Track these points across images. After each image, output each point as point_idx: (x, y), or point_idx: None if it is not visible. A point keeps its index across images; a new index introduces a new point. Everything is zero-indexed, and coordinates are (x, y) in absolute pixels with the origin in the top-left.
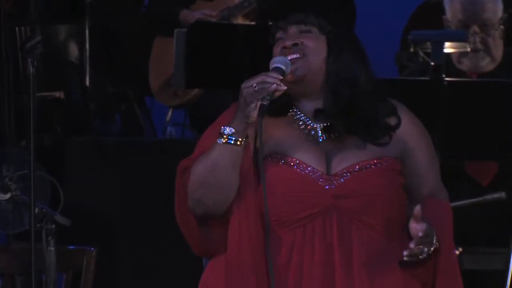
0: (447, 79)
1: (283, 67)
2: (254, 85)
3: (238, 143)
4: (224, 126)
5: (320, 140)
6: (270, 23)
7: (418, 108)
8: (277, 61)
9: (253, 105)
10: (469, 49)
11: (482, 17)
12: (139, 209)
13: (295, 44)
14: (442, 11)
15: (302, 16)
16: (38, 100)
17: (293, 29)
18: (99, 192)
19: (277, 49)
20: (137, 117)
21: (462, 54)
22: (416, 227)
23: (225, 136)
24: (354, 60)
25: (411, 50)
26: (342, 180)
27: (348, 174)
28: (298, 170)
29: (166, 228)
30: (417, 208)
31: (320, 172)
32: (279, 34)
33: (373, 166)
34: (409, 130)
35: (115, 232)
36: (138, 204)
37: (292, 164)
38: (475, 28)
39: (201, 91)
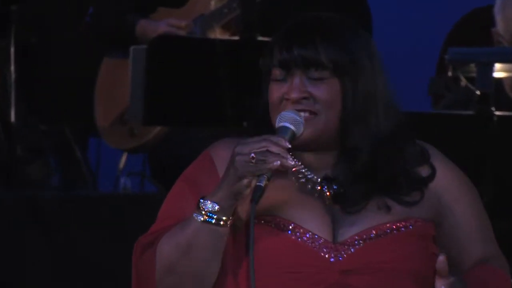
0: (497, 112)
1: (293, 128)
2: (251, 155)
3: (222, 223)
4: (204, 199)
5: (325, 191)
6: (259, 39)
7: (459, 151)
8: (286, 118)
9: (246, 181)
10: None
11: None
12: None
13: (303, 98)
14: (491, 22)
15: (312, 53)
16: None
17: (298, 75)
18: (31, 264)
19: (275, 93)
20: (78, 164)
21: None
22: (441, 285)
23: (204, 213)
24: (375, 103)
25: (450, 74)
26: (352, 250)
27: (361, 242)
28: (294, 236)
29: None
30: (441, 259)
31: (323, 240)
32: (277, 71)
33: (395, 231)
34: (446, 183)
35: None
36: (83, 278)
37: (285, 228)
38: None
39: (164, 129)
